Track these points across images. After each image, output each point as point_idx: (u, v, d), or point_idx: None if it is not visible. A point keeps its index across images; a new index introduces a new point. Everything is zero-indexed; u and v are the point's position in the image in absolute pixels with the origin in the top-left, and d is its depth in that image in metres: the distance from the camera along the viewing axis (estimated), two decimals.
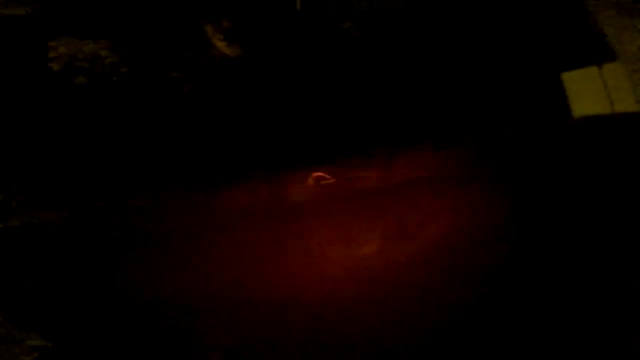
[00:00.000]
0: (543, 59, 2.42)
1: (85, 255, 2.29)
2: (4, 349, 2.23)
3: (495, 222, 2.33)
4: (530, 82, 2.44)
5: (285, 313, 2.24)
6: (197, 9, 2.57)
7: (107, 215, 2.39)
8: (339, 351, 2.24)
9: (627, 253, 2.25)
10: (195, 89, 2.61)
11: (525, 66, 2.45)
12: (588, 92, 2.37)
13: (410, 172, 2.40)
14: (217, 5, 2.59)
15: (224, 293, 2.26)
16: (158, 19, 2.56)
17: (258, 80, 2.61)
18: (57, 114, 2.51)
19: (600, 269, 2.25)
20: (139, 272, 2.27)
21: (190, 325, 2.23)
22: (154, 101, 2.62)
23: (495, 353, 2.19)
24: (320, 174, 2.46)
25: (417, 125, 2.50)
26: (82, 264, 2.28)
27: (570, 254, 2.24)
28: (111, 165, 2.49)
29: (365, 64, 2.55)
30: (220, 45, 2.62)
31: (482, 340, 2.20)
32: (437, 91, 2.50)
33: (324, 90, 2.56)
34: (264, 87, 2.60)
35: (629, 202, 2.27)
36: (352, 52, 2.54)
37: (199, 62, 2.63)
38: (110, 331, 2.23)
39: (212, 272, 2.28)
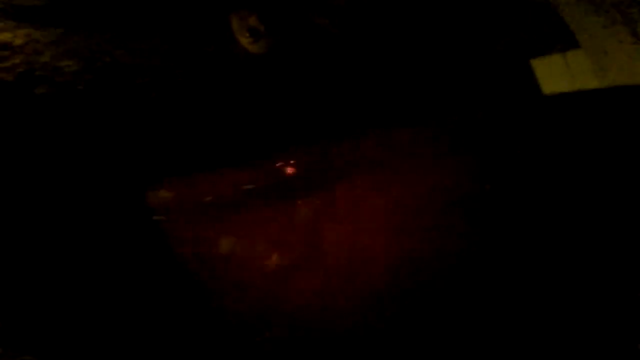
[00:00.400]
0: (514, 48, 2.70)
1: None
2: None
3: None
4: (504, 68, 2.70)
5: None
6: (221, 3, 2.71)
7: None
8: None
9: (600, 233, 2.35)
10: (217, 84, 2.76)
11: (498, 54, 2.72)
12: (555, 76, 2.62)
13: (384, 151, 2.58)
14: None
15: None
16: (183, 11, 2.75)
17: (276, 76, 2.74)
18: None
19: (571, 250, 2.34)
20: None
21: None
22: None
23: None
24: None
25: (395, 110, 2.73)
26: None
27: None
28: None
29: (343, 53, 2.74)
30: (245, 42, 2.69)
31: None
32: (412, 79, 2.74)
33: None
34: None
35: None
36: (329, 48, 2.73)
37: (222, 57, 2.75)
38: None
39: None
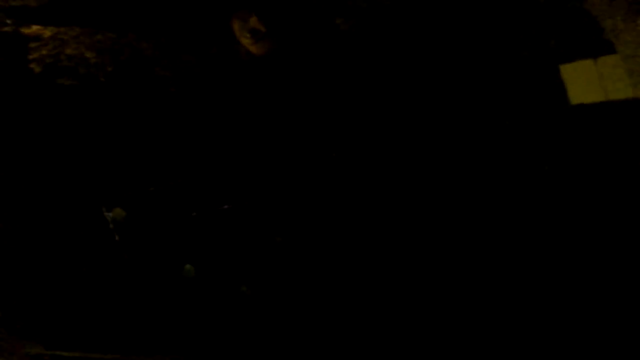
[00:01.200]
0: (542, 52, 2.52)
1: None
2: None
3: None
4: (530, 73, 2.53)
5: None
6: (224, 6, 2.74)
7: None
8: None
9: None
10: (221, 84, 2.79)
11: (525, 58, 2.55)
12: (584, 83, 2.43)
13: None
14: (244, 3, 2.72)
15: None
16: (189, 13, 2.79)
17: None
18: None
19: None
20: None
21: None
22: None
23: None
24: None
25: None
26: None
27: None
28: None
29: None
30: (246, 42, 2.69)
31: None
32: (437, 86, 2.63)
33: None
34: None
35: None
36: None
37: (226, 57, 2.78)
38: None
39: None
